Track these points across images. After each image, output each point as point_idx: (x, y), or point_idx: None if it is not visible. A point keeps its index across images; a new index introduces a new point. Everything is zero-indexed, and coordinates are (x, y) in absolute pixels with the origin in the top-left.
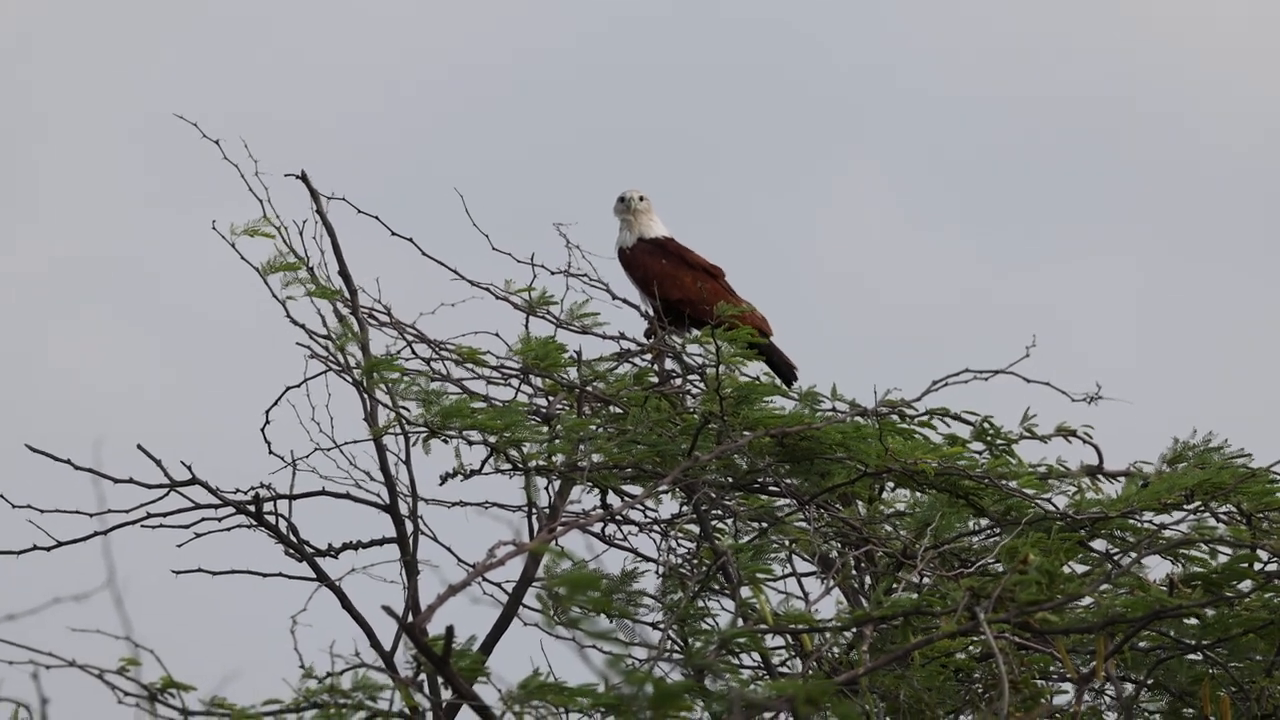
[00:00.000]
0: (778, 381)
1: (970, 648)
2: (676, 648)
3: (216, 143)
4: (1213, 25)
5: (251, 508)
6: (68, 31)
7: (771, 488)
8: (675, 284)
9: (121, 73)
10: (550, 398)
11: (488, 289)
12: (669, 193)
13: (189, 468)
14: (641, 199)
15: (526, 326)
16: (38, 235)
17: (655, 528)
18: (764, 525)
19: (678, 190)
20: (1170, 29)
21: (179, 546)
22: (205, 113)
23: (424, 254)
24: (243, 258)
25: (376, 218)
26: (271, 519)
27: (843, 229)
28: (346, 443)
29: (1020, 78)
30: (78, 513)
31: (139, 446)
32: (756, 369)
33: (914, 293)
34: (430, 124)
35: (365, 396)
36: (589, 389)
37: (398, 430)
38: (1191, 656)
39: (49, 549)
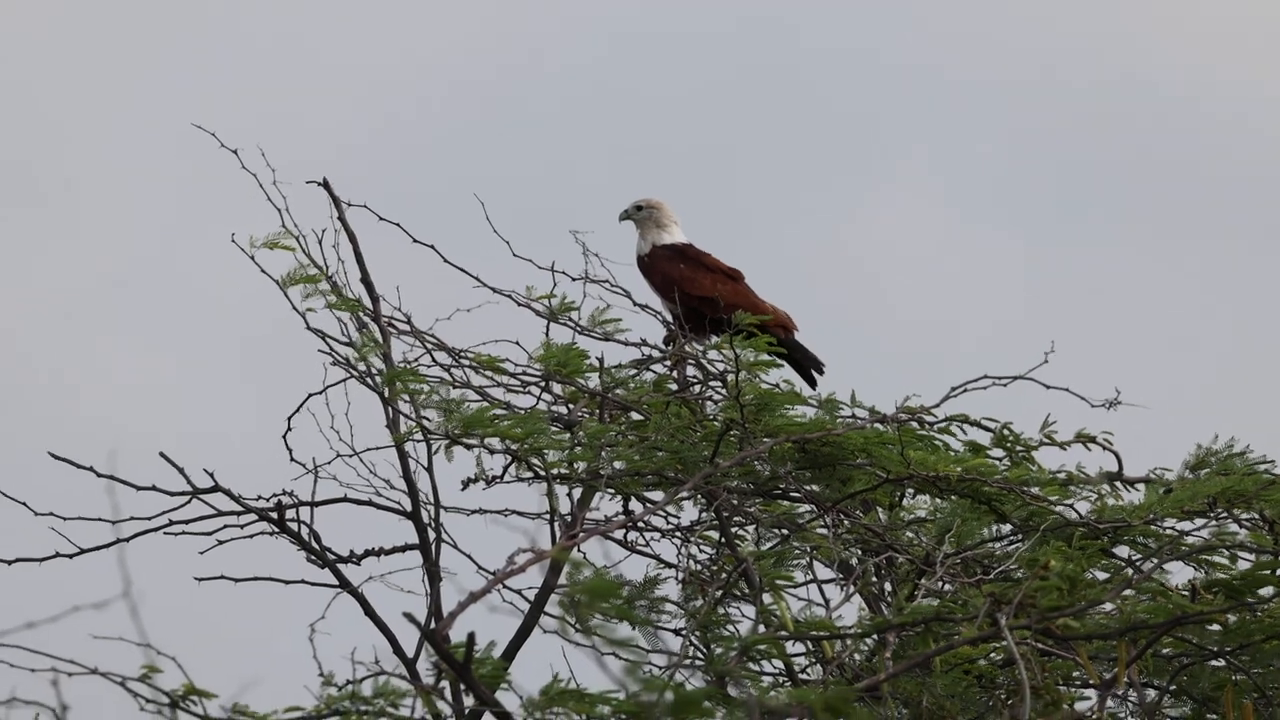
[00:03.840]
0: (799, 388)
1: (992, 654)
2: (698, 654)
3: (235, 152)
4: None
5: (274, 515)
6: (73, 47)
7: (793, 494)
8: (695, 284)
9: (130, 79)
10: (571, 405)
11: (509, 296)
12: (702, 201)
13: (211, 475)
14: (640, 208)
15: (547, 333)
16: (60, 246)
17: (677, 534)
18: (785, 532)
19: (711, 200)
20: None
21: (201, 554)
22: (221, 118)
23: (446, 261)
24: (263, 270)
25: (398, 225)
26: (294, 526)
27: (876, 237)
28: (368, 449)
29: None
30: (100, 520)
31: (161, 454)
32: (777, 376)
33: (945, 306)
34: (454, 130)
35: (387, 405)
36: (610, 396)
37: (419, 437)
38: (1214, 663)
39: (71, 556)
